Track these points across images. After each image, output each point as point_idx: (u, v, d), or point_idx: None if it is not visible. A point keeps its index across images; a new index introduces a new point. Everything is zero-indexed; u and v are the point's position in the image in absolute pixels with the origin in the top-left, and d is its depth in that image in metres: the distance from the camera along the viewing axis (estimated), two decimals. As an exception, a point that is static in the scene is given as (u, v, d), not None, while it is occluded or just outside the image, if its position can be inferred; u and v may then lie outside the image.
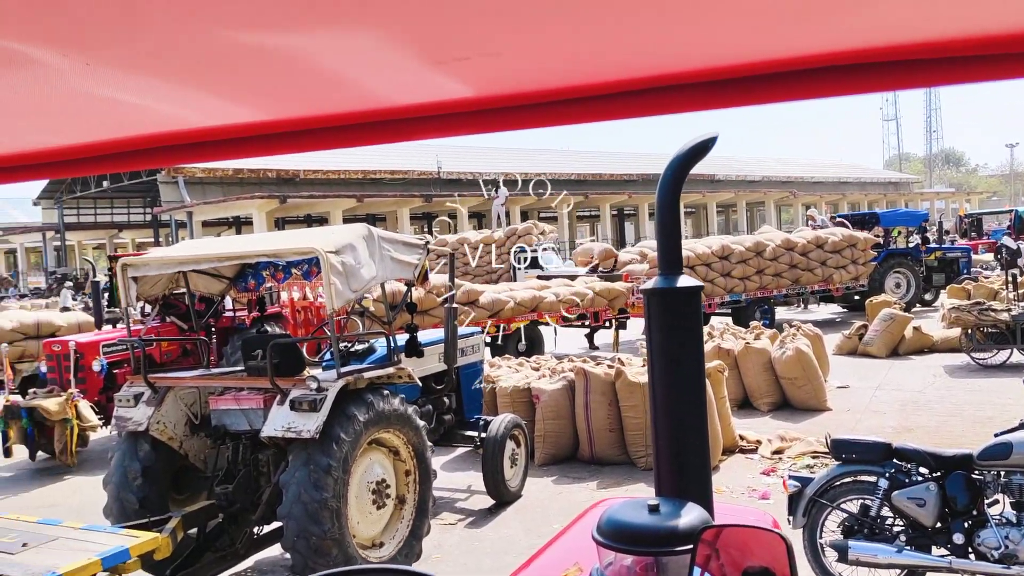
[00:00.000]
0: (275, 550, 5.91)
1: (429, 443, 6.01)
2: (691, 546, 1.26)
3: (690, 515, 1.40)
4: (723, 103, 0.85)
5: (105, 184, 42.15)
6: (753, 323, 12.10)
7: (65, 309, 12.42)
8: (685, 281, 1.74)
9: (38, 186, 46.10)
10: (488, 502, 7.20)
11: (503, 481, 7.10)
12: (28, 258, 55.52)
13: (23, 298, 33.28)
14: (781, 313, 18.51)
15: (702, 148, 1.72)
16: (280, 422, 5.19)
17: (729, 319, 15.56)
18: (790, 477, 5.18)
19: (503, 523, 6.82)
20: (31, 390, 10.12)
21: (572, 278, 16.45)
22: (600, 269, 16.90)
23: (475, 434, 7.39)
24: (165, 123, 1.06)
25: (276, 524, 5.58)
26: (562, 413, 8.34)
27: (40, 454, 9.53)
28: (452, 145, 45.43)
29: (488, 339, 12.64)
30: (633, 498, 1.51)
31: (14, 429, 9.25)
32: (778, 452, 8.13)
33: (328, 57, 0.82)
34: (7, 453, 9.39)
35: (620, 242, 50.43)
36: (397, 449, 5.79)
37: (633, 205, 49.87)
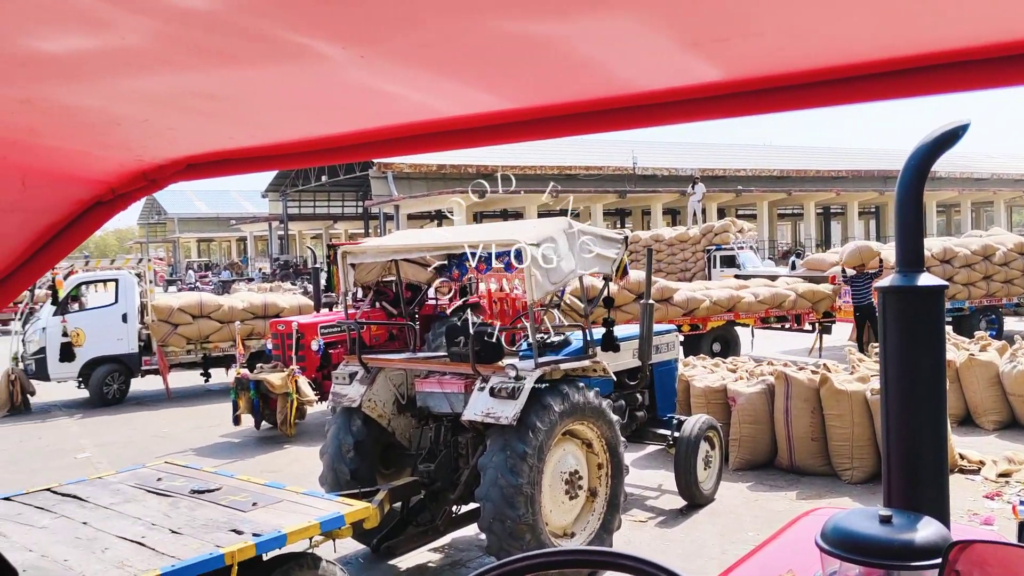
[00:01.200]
0: (471, 529, 6.14)
1: (622, 438, 6.00)
2: (935, 561, 1.17)
3: (928, 529, 1.30)
4: (1005, 81, 0.78)
5: (323, 179, 45.50)
6: (978, 333, 11.08)
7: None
8: (927, 280, 1.61)
9: (266, 179, 50.56)
10: (679, 503, 7.08)
11: (696, 483, 6.95)
12: (256, 246, 61.29)
13: (262, 280, 36.87)
14: (1011, 323, 16.76)
15: (951, 136, 1.58)
16: (480, 407, 5.37)
17: (949, 328, 14.29)
18: (1021, 503, 4.71)
19: (695, 525, 6.68)
20: (258, 364, 11.15)
21: (772, 278, 15.78)
22: (859, 271, 14.71)
23: (667, 432, 7.29)
24: (416, 113, 1.12)
25: (474, 505, 5.79)
26: (760, 418, 8.03)
27: (264, 424, 10.47)
28: (647, 141, 44.96)
29: (681, 338, 12.37)
30: (863, 508, 1.43)
31: (243, 399, 10.23)
32: (1005, 475, 7.38)
33: (582, 42, 0.82)
34: (236, 421, 10.41)
35: (825, 243, 47.80)
36: (590, 442, 5.83)
37: (841, 203, 47.11)
